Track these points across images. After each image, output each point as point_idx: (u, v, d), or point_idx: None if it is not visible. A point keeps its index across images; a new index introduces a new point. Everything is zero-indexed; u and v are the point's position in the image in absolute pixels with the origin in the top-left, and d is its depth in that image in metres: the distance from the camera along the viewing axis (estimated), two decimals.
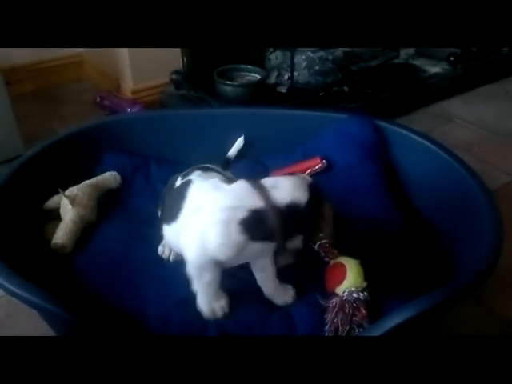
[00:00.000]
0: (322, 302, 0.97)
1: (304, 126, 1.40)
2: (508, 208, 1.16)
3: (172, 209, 0.96)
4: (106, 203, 1.26)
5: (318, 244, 1.09)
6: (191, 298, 0.96)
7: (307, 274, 1.05)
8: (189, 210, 0.92)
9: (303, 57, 1.93)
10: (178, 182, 1.02)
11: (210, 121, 1.44)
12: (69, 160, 1.28)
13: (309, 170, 1.29)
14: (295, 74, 1.88)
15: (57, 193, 1.18)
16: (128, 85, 2.01)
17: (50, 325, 1.01)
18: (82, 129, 1.36)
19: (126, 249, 1.12)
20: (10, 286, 0.87)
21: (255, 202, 0.86)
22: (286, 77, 1.91)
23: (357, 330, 0.92)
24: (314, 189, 0.91)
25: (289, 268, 1.02)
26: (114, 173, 1.30)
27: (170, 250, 1.09)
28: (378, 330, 0.82)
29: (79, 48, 2.19)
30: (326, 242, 1.09)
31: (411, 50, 2.29)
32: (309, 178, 0.95)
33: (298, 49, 1.87)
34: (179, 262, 1.06)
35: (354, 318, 0.93)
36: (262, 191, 0.87)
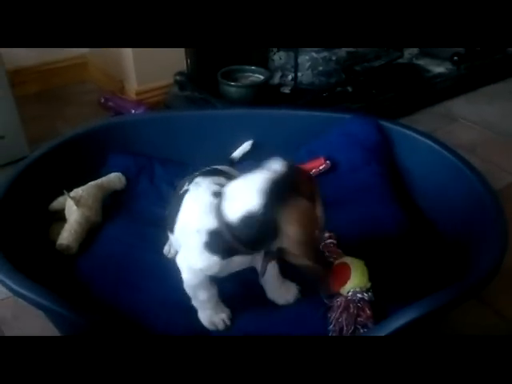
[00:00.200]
0: (326, 301, 0.97)
1: (308, 127, 1.40)
2: None
3: (171, 219, 0.97)
4: (111, 204, 1.27)
5: (322, 244, 1.10)
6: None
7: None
8: (179, 227, 0.93)
9: (307, 57, 1.93)
10: (183, 188, 1.00)
11: (214, 122, 1.44)
12: (74, 161, 1.28)
13: (313, 171, 1.30)
14: (299, 74, 1.88)
15: (62, 194, 1.19)
16: (132, 86, 2.01)
17: (56, 326, 1.01)
18: (86, 130, 1.36)
19: (131, 250, 1.13)
20: (16, 287, 0.88)
21: (210, 222, 0.82)
22: (290, 77, 1.91)
23: (361, 330, 0.92)
24: (277, 185, 0.77)
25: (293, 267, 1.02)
26: (118, 174, 1.31)
27: (176, 250, 1.09)
28: (383, 331, 0.82)
29: (84, 48, 2.19)
30: (330, 243, 1.09)
31: (415, 50, 2.28)
32: (277, 168, 0.79)
33: (302, 49, 1.87)
34: None
35: (359, 319, 0.93)
36: (217, 209, 0.81)
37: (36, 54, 2.06)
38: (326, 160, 1.31)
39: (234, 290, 1.00)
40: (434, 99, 2.06)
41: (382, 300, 0.97)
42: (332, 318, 0.95)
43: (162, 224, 1.06)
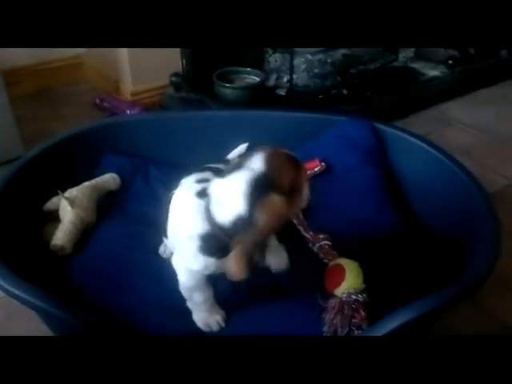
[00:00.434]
0: (320, 302, 0.97)
1: (303, 129, 1.41)
2: (506, 211, 1.16)
3: (164, 223, 0.98)
4: (106, 205, 1.26)
5: (317, 245, 1.10)
6: None
7: (306, 274, 1.05)
8: (170, 231, 0.95)
9: (302, 59, 1.94)
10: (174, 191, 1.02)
11: (210, 123, 1.44)
12: (68, 162, 1.28)
13: (308, 172, 1.30)
14: (294, 76, 1.88)
15: (56, 194, 1.18)
16: (127, 87, 2.01)
17: (50, 327, 1.01)
18: (81, 130, 1.36)
19: (125, 250, 1.12)
20: (9, 288, 0.87)
21: (201, 226, 0.83)
22: (285, 79, 1.92)
23: (356, 332, 0.92)
24: (257, 186, 0.78)
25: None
26: (113, 174, 1.30)
27: (171, 251, 1.09)
28: (377, 332, 0.82)
29: (79, 48, 2.19)
30: (325, 244, 1.10)
31: (410, 53, 2.30)
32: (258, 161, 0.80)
33: (297, 52, 1.88)
34: None
35: (353, 320, 0.93)
36: (207, 213, 0.82)
37: (31, 54, 2.06)
38: (321, 162, 1.31)
39: (227, 291, 1.00)
40: (429, 102, 2.08)
41: (376, 302, 0.97)
42: (326, 319, 0.95)
43: (157, 225, 1.06)
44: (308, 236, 1.13)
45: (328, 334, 0.93)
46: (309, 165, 1.32)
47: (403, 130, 1.37)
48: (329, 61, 1.99)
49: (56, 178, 1.23)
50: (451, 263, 1.08)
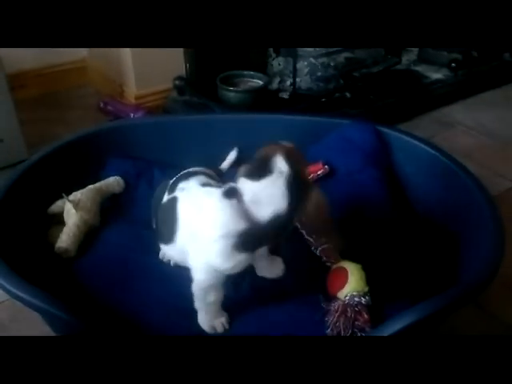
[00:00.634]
0: (323, 305, 0.98)
1: (306, 132, 1.41)
2: (509, 214, 1.16)
3: (166, 229, 0.98)
4: (110, 208, 1.27)
5: (320, 249, 1.10)
6: (192, 303, 0.96)
7: (309, 277, 1.05)
8: (184, 234, 0.94)
9: (305, 63, 1.94)
10: (165, 196, 1.03)
11: (213, 126, 1.45)
12: (72, 165, 1.28)
13: (311, 175, 1.30)
14: (297, 79, 1.89)
15: (61, 197, 1.19)
16: (131, 90, 2.02)
17: (53, 328, 1.01)
18: (85, 134, 1.36)
19: (129, 253, 1.13)
20: (13, 290, 0.88)
21: (240, 225, 0.86)
22: (289, 83, 1.92)
23: (359, 335, 0.92)
24: (293, 186, 0.85)
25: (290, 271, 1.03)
26: (117, 178, 1.31)
27: (169, 258, 1.09)
28: (380, 335, 0.82)
29: (83, 52, 2.20)
30: (328, 247, 1.10)
31: (413, 56, 2.30)
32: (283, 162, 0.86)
33: (300, 55, 1.88)
34: (181, 267, 1.07)
35: (356, 323, 0.93)
36: (244, 211, 0.86)
37: (35, 57, 2.07)
38: (324, 165, 1.32)
39: (229, 294, 1.00)
40: (432, 105, 2.07)
41: (379, 304, 0.97)
42: (329, 322, 0.95)
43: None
44: (310, 239, 1.13)
45: None
46: (312, 168, 1.32)
47: (406, 133, 1.37)
48: (332, 64, 1.99)
49: (60, 182, 1.23)
50: (454, 265, 1.08)
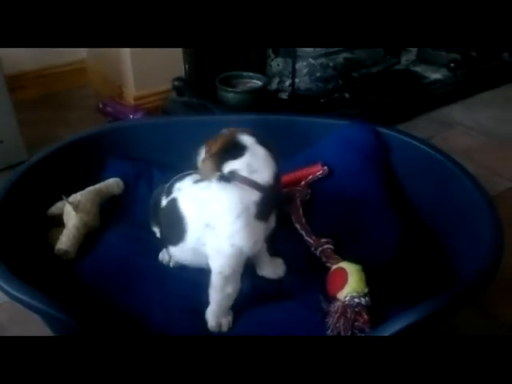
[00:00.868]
0: (323, 306, 0.98)
1: (305, 133, 1.41)
2: (508, 214, 1.16)
3: (173, 230, 1.00)
4: (109, 209, 1.27)
5: (319, 249, 1.10)
6: (193, 305, 0.96)
7: (309, 278, 1.05)
8: (196, 229, 0.96)
9: (304, 63, 1.95)
10: (164, 200, 1.05)
11: (212, 127, 1.43)
12: (72, 166, 1.28)
13: (310, 177, 1.30)
14: (296, 80, 1.89)
15: (60, 199, 1.19)
16: (130, 91, 2.02)
17: (52, 329, 1.01)
18: (84, 135, 1.36)
19: (129, 254, 1.13)
20: (12, 291, 0.88)
21: (253, 195, 0.91)
22: (288, 83, 1.92)
23: (359, 335, 0.92)
24: (267, 146, 0.96)
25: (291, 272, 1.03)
26: (116, 179, 1.31)
27: (170, 256, 1.09)
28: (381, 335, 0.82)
29: (82, 53, 2.20)
30: (327, 248, 1.10)
31: (412, 57, 2.30)
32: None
33: (299, 56, 1.89)
34: (180, 268, 1.07)
35: (356, 323, 0.93)
36: (249, 184, 0.91)
37: (35, 58, 2.07)
38: (323, 166, 1.32)
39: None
40: (431, 105, 2.08)
41: (379, 305, 0.97)
42: (329, 322, 0.95)
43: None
44: (310, 240, 1.13)
45: None
46: (311, 169, 1.32)
47: (405, 134, 1.37)
48: (331, 64, 1.99)
49: (60, 183, 1.23)
50: (454, 266, 1.08)
